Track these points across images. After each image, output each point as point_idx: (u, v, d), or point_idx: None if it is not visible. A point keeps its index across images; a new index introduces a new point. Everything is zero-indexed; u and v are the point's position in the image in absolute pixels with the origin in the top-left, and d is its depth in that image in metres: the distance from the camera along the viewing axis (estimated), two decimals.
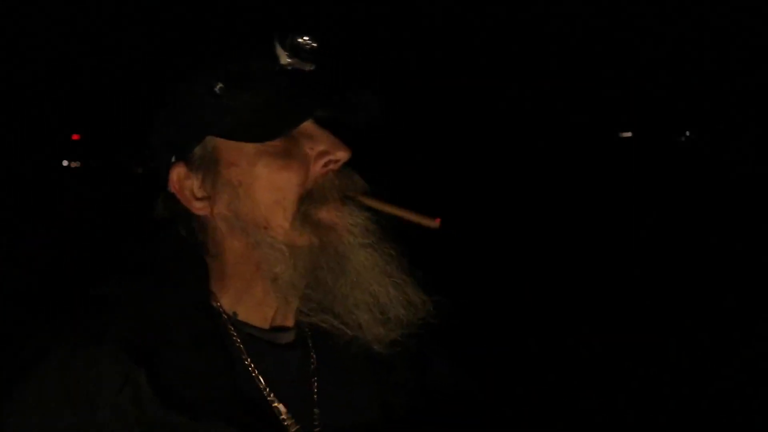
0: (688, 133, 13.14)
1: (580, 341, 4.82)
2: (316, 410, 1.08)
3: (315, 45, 1.07)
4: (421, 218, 1.05)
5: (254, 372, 1.06)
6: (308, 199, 1.03)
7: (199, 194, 1.06)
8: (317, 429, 1.07)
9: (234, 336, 1.07)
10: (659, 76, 11.77)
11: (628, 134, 13.70)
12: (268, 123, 1.03)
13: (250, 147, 1.05)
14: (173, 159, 1.07)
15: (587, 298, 5.94)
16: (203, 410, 0.99)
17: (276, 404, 1.06)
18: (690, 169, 12.09)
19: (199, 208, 1.06)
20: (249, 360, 1.07)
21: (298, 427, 1.07)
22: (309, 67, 1.06)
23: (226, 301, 1.09)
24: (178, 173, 1.06)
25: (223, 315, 1.08)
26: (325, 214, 1.03)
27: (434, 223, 1.05)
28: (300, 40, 1.06)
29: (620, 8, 10.51)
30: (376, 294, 1.04)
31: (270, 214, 1.03)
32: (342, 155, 1.05)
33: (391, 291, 1.05)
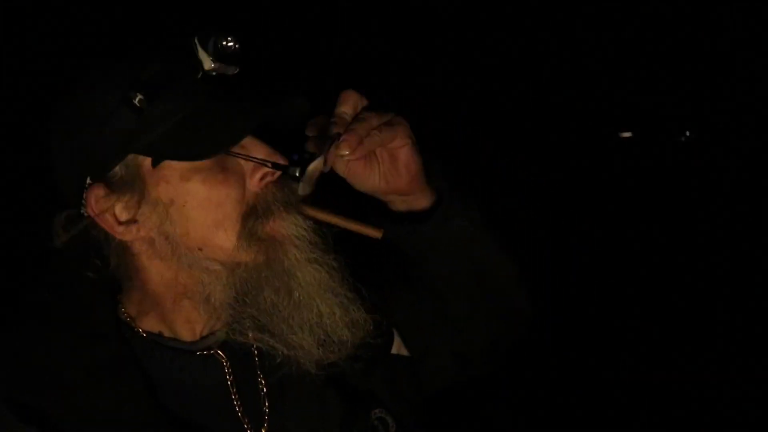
0: (688, 133, 13.12)
1: (578, 343, 4.81)
2: (266, 410, 1.05)
3: (238, 47, 0.98)
4: (364, 228, 1.01)
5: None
6: (253, 215, 0.97)
7: (123, 217, 0.98)
8: (265, 428, 1.04)
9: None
10: (659, 76, 11.73)
11: (628, 134, 13.68)
12: (201, 139, 0.94)
13: (182, 162, 0.97)
14: (88, 180, 0.98)
15: (587, 299, 5.93)
16: None
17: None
18: (690, 169, 12.06)
19: (122, 233, 0.97)
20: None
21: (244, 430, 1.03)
22: (233, 71, 0.98)
23: (148, 324, 1.03)
24: (96, 195, 0.97)
25: (142, 336, 1.02)
26: (270, 229, 0.98)
27: (377, 233, 1.01)
28: (224, 42, 0.97)
29: (620, 8, 10.49)
30: (322, 314, 0.99)
31: (208, 234, 0.96)
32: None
33: (337, 311, 1.00)
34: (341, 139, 0.99)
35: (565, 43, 10.61)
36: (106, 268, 1.06)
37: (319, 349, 1.03)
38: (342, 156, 0.99)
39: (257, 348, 1.07)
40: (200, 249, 0.99)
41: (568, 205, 10.06)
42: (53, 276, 1.07)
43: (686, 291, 6.38)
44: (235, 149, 0.99)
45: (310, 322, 1.01)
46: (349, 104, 1.03)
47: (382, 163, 1.06)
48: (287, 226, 1.01)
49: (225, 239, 0.99)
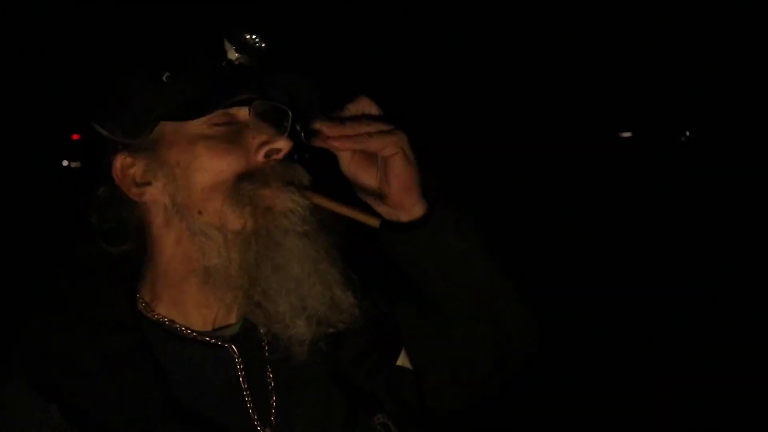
0: (688, 133, 13.14)
1: (576, 343, 4.81)
2: (273, 403, 1.06)
3: (263, 45, 1.06)
4: (362, 216, 1.04)
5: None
6: (247, 179, 1.02)
7: (140, 180, 1.03)
8: (272, 422, 1.05)
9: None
10: (659, 76, 11.75)
11: (628, 134, 13.70)
12: (203, 102, 1.02)
13: (192, 129, 1.03)
14: (118, 148, 1.04)
15: (587, 299, 5.93)
16: (137, 429, 0.96)
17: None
18: (690, 169, 12.07)
19: (137, 194, 1.03)
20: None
21: (252, 426, 1.04)
22: (257, 65, 1.05)
23: (162, 309, 1.05)
24: (122, 161, 1.04)
25: (157, 324, 1.05)
26: (263, 196, 1.02)
27: (375, 222, 1.05)
28: (248, 37, 1.05)
29: (620, 8, 10.50)
30: (300, 282, 1.02)
31: (206, 198, 1.01)
32: (283, 144, 1.04)
33: (317, 284, 1.02)
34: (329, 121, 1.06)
35: (565, 43, 10.62)
36: (127, 252, 1.09)
37: (297, 321, 1.03)
38: (320, 128, 1.04)
39: (267, 343, 1.09)
40: (200, 212, 1.01)
41: (568, 205, 10.07)
42: (78, 267, 1.11)
43: (686, 290, 6.38)
44: (246, 128, 1.05)
45: (287, 287, 1.02)
46: (356, 106, 1.08)
47: (379, 169, 1.10)
48: (282, 199, 1.02)
49: (220, 202, 1.02)
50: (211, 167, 1.01)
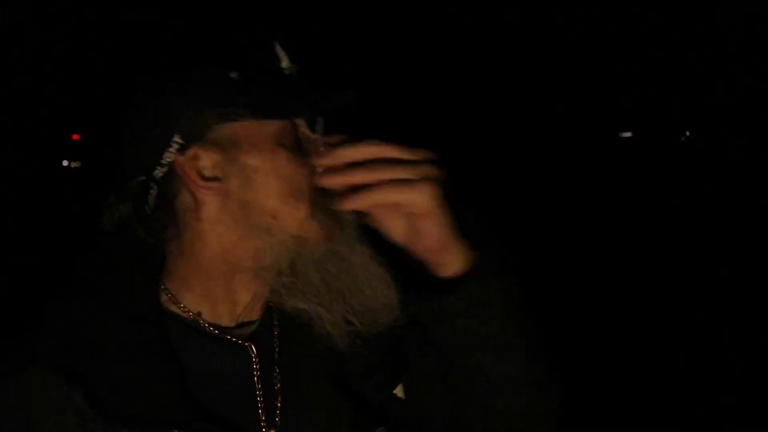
0: (688, 133, 13.15)
1: (577, 343, 4.81)
2: (278, 404, 1.07)
3: (316, 59, 1.09)
4: None
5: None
6: (321, 192, 1.03)
7: (209, 174, 1.03)
8: (277, 423, 1.06)
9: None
10: (659, 76, 11.76)
11: (628, 134, 13.71)
12: (280, 106, 1.04)
13: (271, 136, 1.04)
14: (179, 140, 1.03)
15: (587, 299, 5.94)
16: (151, 420, 0.97)
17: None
18: (690, 169, 12.09)
19: (204, 187, 1.03)
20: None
21: (258, 426, 1.05)
22: (307, 76, 1.07)
23: (189, 301, 1.06)
24: (190, 154, 1.03)
25: (181, 317, 1.06)
26: (335, 208, 1.04)
27: None
28: (300, 50, 1.08)
29: (620, 8, 10.51)
30: (364, 282, 1.03)
31: (282, 204, 1.03)
32: None
33: (378, 271, 1.04)
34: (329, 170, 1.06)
35: (565, 43, 10.62)
36: (153, 245, 1.10)
37: (339, 311, 1.04)
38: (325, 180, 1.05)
39: (280, 344, 1.10)
40: (273, 217, 1.05)
41: (568, 205, 10.08)
42: (103, 257, 1.12)
43: (685, 290, 6.39)
44: (307, 142, 1.08)
45: (352, 288, 1.04)
46: (370, 149, 1.05)
47: (404, 221, 1.08)
48: (344, 214, 1.07)
49: (296, 209, 1.04)
50: (291, 177, 1.03)
